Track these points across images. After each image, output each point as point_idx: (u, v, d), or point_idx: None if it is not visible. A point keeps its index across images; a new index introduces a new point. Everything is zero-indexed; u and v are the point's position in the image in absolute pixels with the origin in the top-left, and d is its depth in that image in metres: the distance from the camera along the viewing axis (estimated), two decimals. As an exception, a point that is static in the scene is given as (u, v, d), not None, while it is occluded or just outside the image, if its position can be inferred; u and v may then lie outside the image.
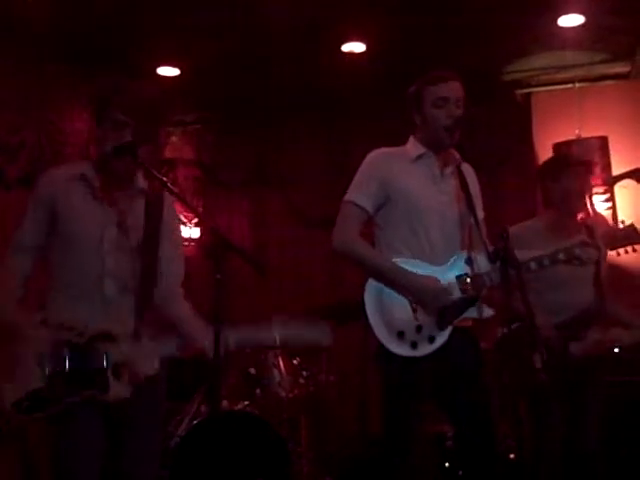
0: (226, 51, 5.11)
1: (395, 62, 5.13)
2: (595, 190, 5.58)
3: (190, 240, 6.32)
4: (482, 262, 2.88)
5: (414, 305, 2.86)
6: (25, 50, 4.77)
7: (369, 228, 3.03)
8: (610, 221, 5.51)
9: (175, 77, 5.55)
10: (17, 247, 2.70)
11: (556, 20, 4.88)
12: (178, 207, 2.92)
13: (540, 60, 5.58)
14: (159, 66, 5.40)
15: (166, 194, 2.75)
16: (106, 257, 2.61)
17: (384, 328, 2.84)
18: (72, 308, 2.57)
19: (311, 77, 5.52)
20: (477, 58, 5.17)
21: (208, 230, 6.36)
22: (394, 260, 2.90)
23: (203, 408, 4.23)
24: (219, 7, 4.53)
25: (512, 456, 3.96)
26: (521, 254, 2.80)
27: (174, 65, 5.42)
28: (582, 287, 3.50)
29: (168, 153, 6.60)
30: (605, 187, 5.63)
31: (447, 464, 4.31)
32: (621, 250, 3.83)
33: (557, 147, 5.74)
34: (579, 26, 4.96)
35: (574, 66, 5.64)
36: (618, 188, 5.69)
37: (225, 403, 4.20)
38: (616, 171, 5.69)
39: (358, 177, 3.02)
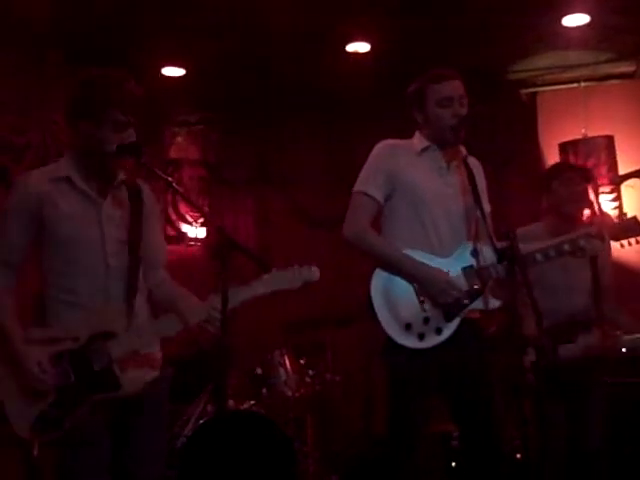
0: (227, 51, 5.11)
1: (398, 62, 5.11)
2: (601, 189, 5.58)
3: (196, 240, 6.35)
4: (488, 254, 2.89)
5: (421, 297, 2.87)
6: (25, 50, 4.76)
7: (376, 220, 3.03)
8: (616, 220, 5.49)
9: (177, 77, 5.54)
10: (1, 262, 2.55)
11: (561, 19, 4.87)
12: (184, 207, 2.90)
13: (545, 59, 5.57)
14: (160, 66, 5.39)
15: (141, 180, 2.70)
16: (109, 257, 2.55)
17: (392, 321, 2.85)
18: (73, 313, 2.50)
19: (312, 77, 5.51)
20: (482, 58, 5.17)
21: (214, 230, 6.36)
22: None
23: (209, 408, 4.24)
24: (220, 7, 4.53)
25: (518, 456, 3.96)
26: (526, 247, 2.83)
27: (175, 65, 5.41)
28: (571, 294, 3.56)
29: (173, 153, 6.60)
30: (611, 186, 5.61)
31: (453, 464, 4.32)
32: (624, 242, 3.84)
33: (563, 146, 5.74)
34: (584, 25, 4.95)
35: (579, 65, 5.64)
36: (624, 187, 5.68)
37: (231, 403, 4.21)
38: (622, 170, 5.68)
39: (366, 169, 3.03)
